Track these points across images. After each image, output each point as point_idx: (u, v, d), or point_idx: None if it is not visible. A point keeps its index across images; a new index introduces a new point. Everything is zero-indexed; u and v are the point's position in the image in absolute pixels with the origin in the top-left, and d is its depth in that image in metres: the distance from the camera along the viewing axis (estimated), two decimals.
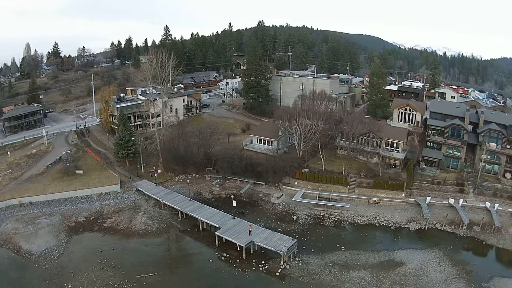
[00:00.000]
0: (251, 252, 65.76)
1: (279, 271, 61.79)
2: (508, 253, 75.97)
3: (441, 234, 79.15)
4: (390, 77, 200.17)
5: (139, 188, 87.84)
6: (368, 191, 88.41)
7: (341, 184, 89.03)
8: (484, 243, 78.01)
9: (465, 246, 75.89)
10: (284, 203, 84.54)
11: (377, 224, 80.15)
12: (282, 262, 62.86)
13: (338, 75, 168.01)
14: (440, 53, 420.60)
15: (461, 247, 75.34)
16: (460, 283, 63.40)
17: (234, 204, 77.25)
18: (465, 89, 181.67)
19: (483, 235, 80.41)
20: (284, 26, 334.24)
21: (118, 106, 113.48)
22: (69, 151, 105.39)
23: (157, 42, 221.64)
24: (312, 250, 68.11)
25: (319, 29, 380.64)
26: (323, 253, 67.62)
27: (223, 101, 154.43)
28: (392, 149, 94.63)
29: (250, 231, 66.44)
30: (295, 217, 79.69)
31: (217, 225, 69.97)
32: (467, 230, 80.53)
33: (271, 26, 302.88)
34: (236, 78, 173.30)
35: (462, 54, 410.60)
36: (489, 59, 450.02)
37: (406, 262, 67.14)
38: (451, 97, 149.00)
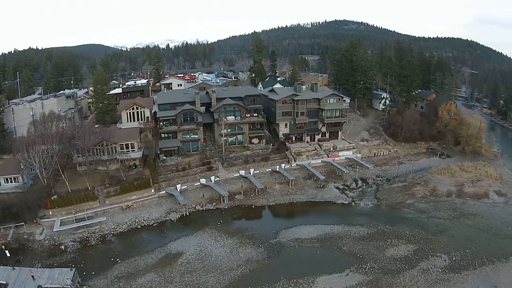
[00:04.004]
0: None
1: None
2: (283, 206, 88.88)
3: (205, 213, 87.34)
4: (114, 81, 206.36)
5: None
6: (118, 198, 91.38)
7: (91, 200, 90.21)
8: (253, 206, 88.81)
9: (234, 216, 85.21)
10: (48, 237, 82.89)
11: (139, 226, 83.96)
12: None
13: (64, 92, 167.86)
14: (163, 46, 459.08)
15: (231, 218, 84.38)
16: (247, 249, 71.17)
17: (8, 254, 76.30)
18: (192, 74, 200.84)
19: (249, 200, 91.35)
20: (13, 52, 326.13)
21: None
22: None
23: None
24: (93, 273, 68.69)
25: (44, 47, 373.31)
26: (104, 271, 68.79)
27: None
28: (128, 151, 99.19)
29: (32, 276, 65.71)
30: (63, 247, 78.93)
31: (4, 282, 66.78)
32: (230, 202, 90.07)
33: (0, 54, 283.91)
34: None
35: (187, 42, 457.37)
36: (216, 41, 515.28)
37: (183, 251, 72.17)
38: (178, 86, 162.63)
